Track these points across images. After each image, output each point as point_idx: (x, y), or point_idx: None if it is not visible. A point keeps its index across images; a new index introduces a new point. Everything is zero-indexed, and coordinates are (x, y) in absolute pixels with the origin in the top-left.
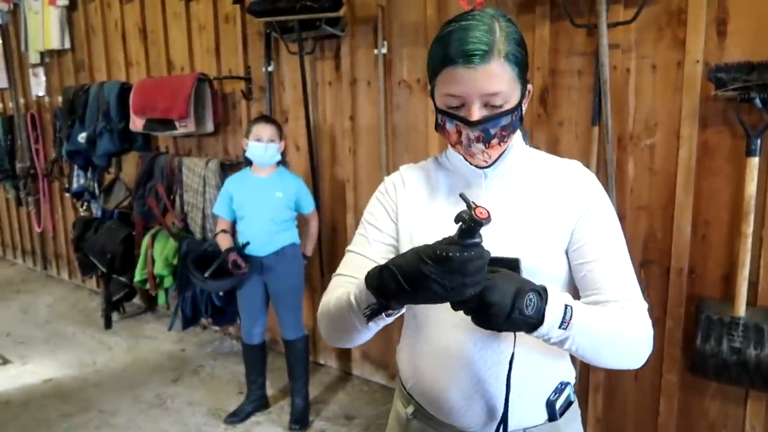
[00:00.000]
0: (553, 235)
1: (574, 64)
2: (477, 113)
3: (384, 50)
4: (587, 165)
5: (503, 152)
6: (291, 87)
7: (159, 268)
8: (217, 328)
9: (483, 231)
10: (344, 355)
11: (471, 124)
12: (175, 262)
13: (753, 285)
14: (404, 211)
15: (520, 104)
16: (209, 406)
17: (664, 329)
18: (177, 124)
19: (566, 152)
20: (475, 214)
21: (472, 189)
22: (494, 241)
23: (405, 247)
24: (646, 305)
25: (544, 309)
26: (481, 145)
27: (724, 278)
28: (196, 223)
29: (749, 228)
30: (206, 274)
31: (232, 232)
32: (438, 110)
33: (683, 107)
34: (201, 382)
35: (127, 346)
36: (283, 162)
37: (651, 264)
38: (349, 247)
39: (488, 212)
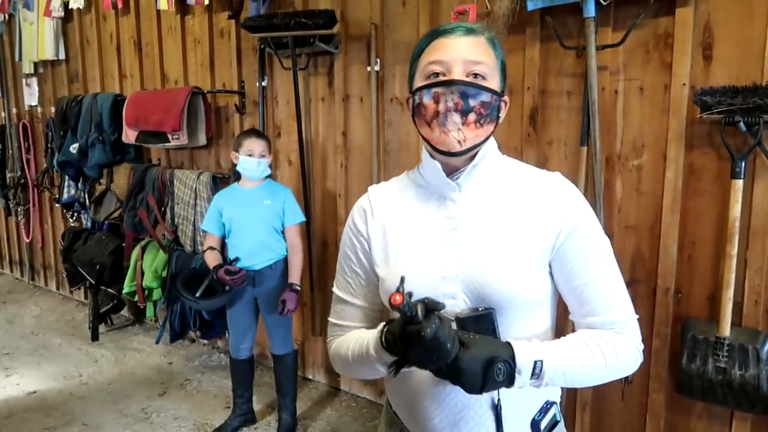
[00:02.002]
0: (532, 253)
1: (564, 85)
2: (458, 75)
3: (377, 67)
4: (576, 184)
5: (476, 155)
6: (284, 102)
7: (148, 281)
8: (205, 341)
9: (462, 241)
10: (333, 370)
11: (451, 84)
12: (164, 274)
13: (738, 305)
14: (376, 240)
15: (499, 97)
16: (195, 421)
17: (651, 349)
18: (170, 136)
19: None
20: (391, 301)
21: (446, 202)
22: (470, 264)
23: (383, 272)
24: (636, 318)
25: (515, 373)
26: (457, 117)
27: (709, 298)
28: (186, 236)
29: (734, 249)
30: (197, 294)
31: (222, 248)
32: (416, 90)
33: (670, 129)
34: (187, 395)
35: (114, 358)
36: (271, 175)
37: (638, 284)
38: (335, 290)
39: (402, 298)
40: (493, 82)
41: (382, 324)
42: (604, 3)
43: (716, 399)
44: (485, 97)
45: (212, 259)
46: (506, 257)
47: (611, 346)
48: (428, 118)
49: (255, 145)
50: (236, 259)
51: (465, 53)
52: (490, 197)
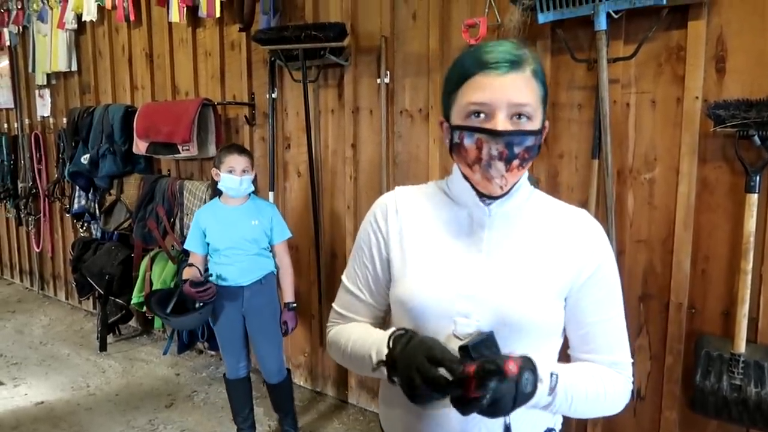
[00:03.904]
0: (553, 284)
1: (575, 98)
2: (503, 123)
3: (387, 80)
4: (586, 198)
5: (512, 185)
6: (294, 114)
7: None
8: (213, 352)
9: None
10: (341, 383)
11: (496, 135)
12: (172, 285)
13: (753, 322)
14: (395, 240)
15: (541, 132)
16: None
17: (664, 365)
18: (180, 147)
19: (566, 185)
20: (506, 371)
21: (474, 225)
22: (493, 286)
23: (398, 275)
24: (631, 363)
25: (537, 383)
26: (501, 165)
27: (723, 314)
28: (183, 247)
29: (749, 264)
30: (167, 311)
31: (205, 267)
32: (456, 127)
33: (682, 143)
34: (195, 407)
35: (122, 369)
36: (254, 191)
37: (650, 299)
38: (344, 279)
39: (517, 367)
40: (537, 119)
41: (391, 333)
42: (616, 16)
43: (731, 417)
44: (530, 141)
45: (186, 275)
46: (528, 283)
47: (611, 382)
48: (469, 161)
49: (236, 162)
50: (210, 275)
51: (510, 95)
52: (517, 225)
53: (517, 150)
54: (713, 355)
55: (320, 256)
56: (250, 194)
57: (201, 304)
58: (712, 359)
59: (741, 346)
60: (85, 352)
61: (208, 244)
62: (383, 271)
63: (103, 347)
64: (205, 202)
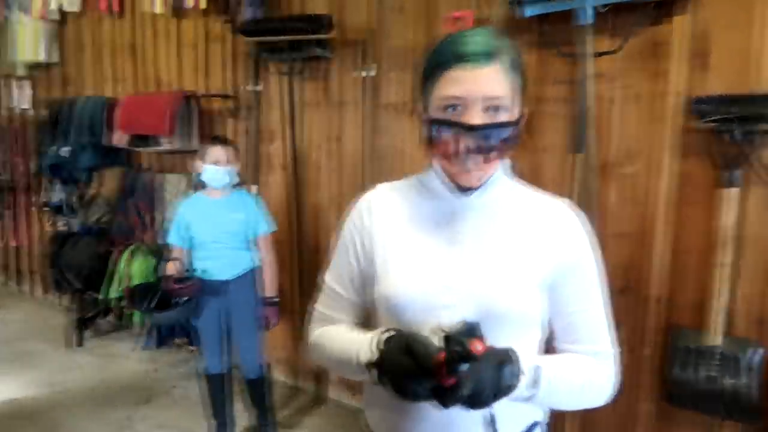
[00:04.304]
0: (534, 273)
1: (559, 92)
2: (478, 117)
3: (372, 73)
4: (569, 192)
5: (490, 176)
6: (277, 107)
7: None
8: (191, 347)
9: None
10: (321, 378)
11: (472, 129)
12: (152, 279)
13: (729, 315)
14: (377, 237)
15: (519, 121)
16: (180, 429)
17: (641, 357)
18: (161, 140)
19: (549, 178)
20: (472, 350)
21: (453, 217)
22: (474, 276)
23: (381, 271)
24: (615, 353)
25: (520, 375)
26: (479, 158)
27: (700, 307)
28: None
29: (727, 258)
30: (151, 306)
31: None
32: (432, 121)
33: (664, 137)
34: (173, 403)
35: (98, 364)
36: (238, 183)
37: (629, 291)
38: (327, 278)
39: (483, 346)
40: (514, 109)
41: (377, 334)
42: (602, 10)
43: (706, 408)
44: (506, 133)
45: (168, 270)
46: (509, 273)
47: (595, 372)
48: (447, 153)
49: (220, 152)
50: (194, 270)
51: (485, 89)
52: (497, 215)
53: (493, 142)
54: (690, 348)
55: (302, 250)
56: (233, 187)
57: (181, 300)
58: (688, 351)
59: (717, 339)
60: (61, 347)
61: (191, 237)
62: (366, 267)
63: (79, 343)
64: (186, 196)
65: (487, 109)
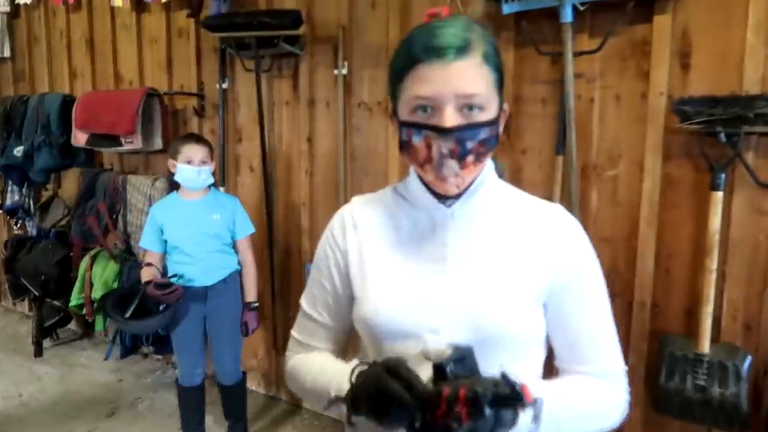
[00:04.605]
0: (529, 288)
1: (538, 92)
2: (452, 118)
3: (344, 71)
4: (550, 195)
5: (473, 182)
6: (246, 105)
7: (97, 293)
8: (159, 356)
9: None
10: None
11: (444, 133)
12: (115, 286)
13: (716, 321)
14: (355, 256)
15: (497, 120)
16: None
17: (627, 365)
18: (123, 140)
19: (529, 181)
20: (523, 393)
21: (435, 230)
22: (462, 295)
23: (360, 293)
24: (624, 370)
25: (519, 410)
26: (454, 163)
27: (687, 313)
28: (139, 246)
29: (713, 263)
30: (127, 315)
31: (163, 264)
32: (402, 124)
33: (647, 139)
34: (139, 416)
35: (59, 375)
36: (214, 183)
37: (614, 297)
38: (303, 303)
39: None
40: (491, 107)
41: (353, 367)
42: (582, 8)
43: (695, 417)
44: (484, 134)
45: (146, 275)
46: (501, 290)
47: (603, 394)
48: (420, 160)
49: (194, 151)
50: (175, 276)
51: (457, 86)
52: (485, 225)
53: (470, 145)
54: (677, 355)
55: (274, 254)
56: (210, 187)
57: (164, 306)
58: (676, 359)
59: (705, 346)
60: (19, 358)
61: (165, 241)
62: (344, 289)
63: (38, 352)
64: (150, 198)
65: (461, 109)
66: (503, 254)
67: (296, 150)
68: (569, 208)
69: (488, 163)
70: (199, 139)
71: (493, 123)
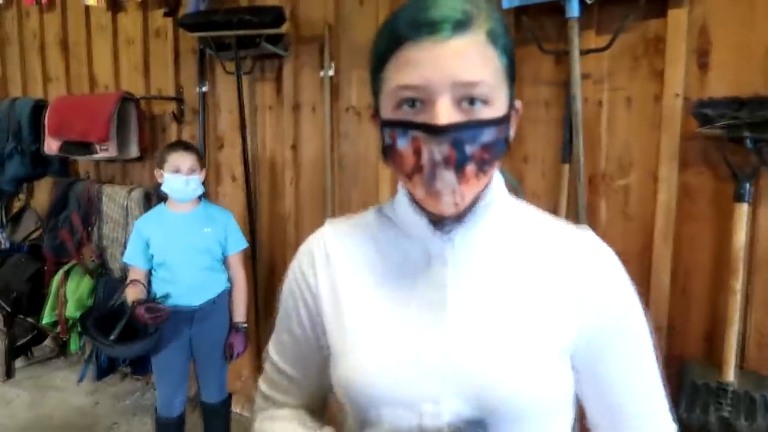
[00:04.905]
0: (552, 341)
1: (541, 94)
2: (447, 113)
3: (331, 72)
4: (555, 206)
5: (478, 201)
6: (227, 110)
7: (71, 310)
8: (138, 377)
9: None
10: None
11: (437, 132)
12: (89, 302)
13: (740, 346)
14: (329, 299)
15: (507, 119)
16: None
17: None
18: (97, 147)
19: (531, 192)
20: None
21: (432, 263)
22: (467, 353)
23: (336, 348)
24: (675, 429)
25: None
26: (450, 175)
27: (707, 337)
28: (115, 260)
29: (738, 283)
30: (112, 337)
31: (149, 282)
32: (385, 123)
33: (661, 145)
34: None
35: (30, 399)
36: (205, 194)
37: None
38: (270, 349)
39: None
40: (499, 102)
41: None
42: (590, 1)
43: None
44: (489, 135)
45: (133, 294)
46: (517, 345)
47: None
48: (407, 170)
49: (182, 159)
50: (165, 296)
51: (454, 71)
52: (494, 259)
53: (470, 150)
54: (698, 384)
55: (257, 270)
56: (200, 198)
57: (152, 330)
58: (697, 389)
59: (729, 374)
60: None
61: (151, 256)
62: (317, 338)
63: (9, 373)
64: (126, 209)
65: (459, 102)
66: (519, 297)
67: (280, 158)
68: (576, 221)
69: (497, 177)
70: (187, 146)
71: (500, 122)
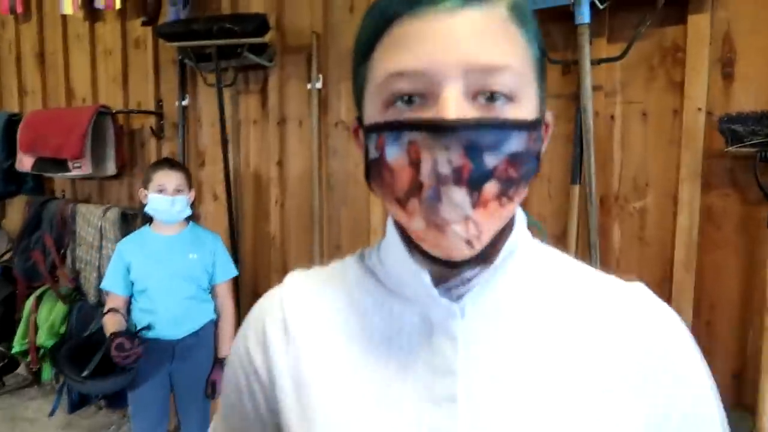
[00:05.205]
0: None
1: (548, 107)
2: (459, 105)
3: (318, 85)
4: (564, 231)
5: (497, 244)
6: (209, 125)
7: (43, 338)
8: (113, 410)
9: None
10: None
11: (444, 131)
12: (62, 330)
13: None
14: (287, 386)
15: (538, 125)
16: None
17: None
18: (70, 164)
19: (537, 215)
20: None
21: (434, 337)
22: None
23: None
24: None
25: None
26: (462, 194)
27: (736, 378)
28: (89, 284)
29: None
30: (85, 373)
31: (128, 310)
32: (368, 128)
33: (682, 164)
34: None
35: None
36: (193, 216)
37: None
38: (212, 426)
39: None
40: (528, 101)
41: None
42: (602, 6)
43: None
44: (518, 143)
45: (111, 324)
46: None
47: None
48: (399, 191)
49: (167, 178)
50: (146, 328)
51: (467, 49)
52: (521, 330)
53: (491, 161)
54: None
55: (240, 296)
56: (188, 221)
57: (129, 364)
58: None
59: (765, 425)
60: None
61: (132, 283)
62: (270, 422)
63: None
64: (101, 230)
65: (474, 96)
66: (557, 384)
67: (265, 175)
68: (587, 248)
69: (520, 216)
70: (173, 164)
71: (532, 127)
